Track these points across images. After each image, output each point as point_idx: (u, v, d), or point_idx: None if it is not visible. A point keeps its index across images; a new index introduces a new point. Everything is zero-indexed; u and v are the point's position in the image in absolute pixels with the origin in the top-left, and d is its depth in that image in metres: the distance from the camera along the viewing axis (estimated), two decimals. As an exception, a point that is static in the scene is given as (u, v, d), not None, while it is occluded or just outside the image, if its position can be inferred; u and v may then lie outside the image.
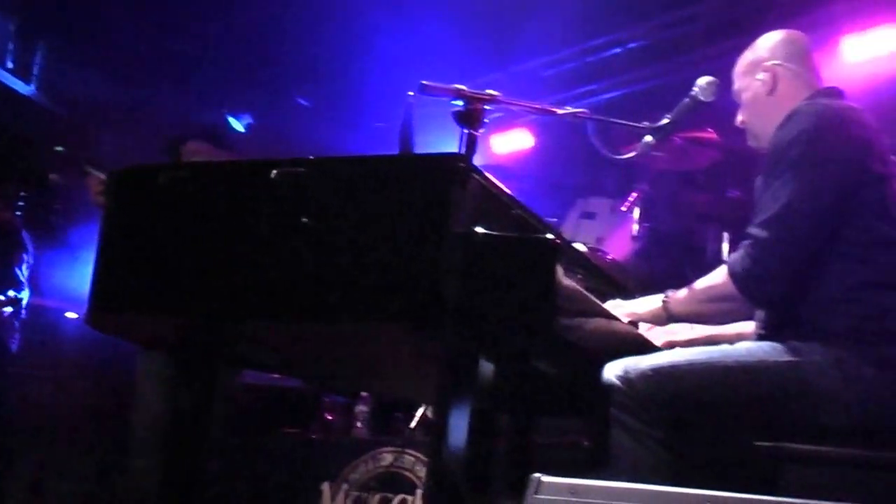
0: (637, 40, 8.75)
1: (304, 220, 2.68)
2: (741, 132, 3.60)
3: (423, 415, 5.49)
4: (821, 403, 2.85)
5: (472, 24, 8.24)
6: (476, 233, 2.53)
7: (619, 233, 6.04)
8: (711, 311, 3.28)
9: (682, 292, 3.28)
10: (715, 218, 6.24)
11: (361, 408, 5.88)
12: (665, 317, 3.30)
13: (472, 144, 2.71)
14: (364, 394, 5.89)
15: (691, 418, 2.92)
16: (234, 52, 8.89)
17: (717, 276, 3.16)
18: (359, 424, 5.88)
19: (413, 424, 5.55)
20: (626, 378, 2.92)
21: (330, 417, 6.05)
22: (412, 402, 5.70)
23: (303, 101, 9.74)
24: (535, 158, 8.84)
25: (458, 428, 2.56)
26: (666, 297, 3.30)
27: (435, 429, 2.58)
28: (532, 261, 2.51)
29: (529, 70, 9.24)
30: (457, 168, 2.59)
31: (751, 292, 3.05)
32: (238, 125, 9.47)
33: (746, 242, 3.06)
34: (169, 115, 8.60)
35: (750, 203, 3.18)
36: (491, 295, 2.50)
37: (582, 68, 9.10)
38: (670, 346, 3.39)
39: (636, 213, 5.86)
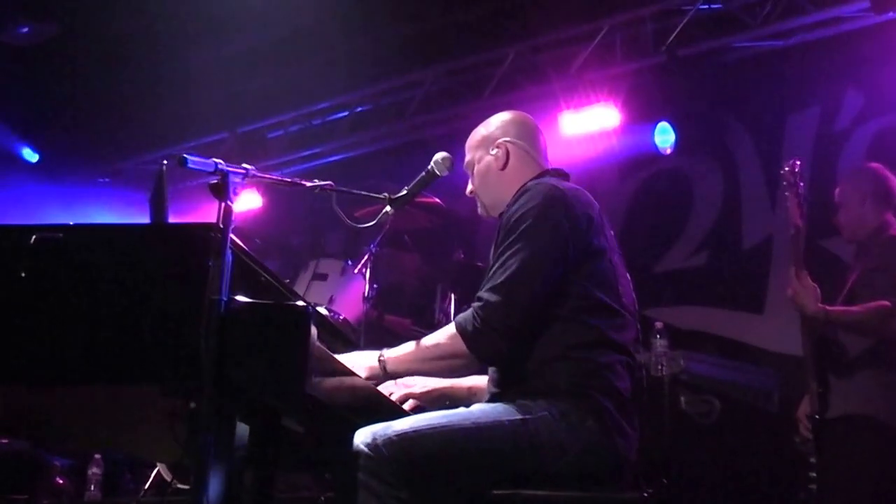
0: (364, 104, 9.02)
1: (22, 274, 2.73)
2: (468, 200, 3.82)
3: (157, 475, 5.47)
4: (550, 453, 3.10)
5: (199, 84, 8.30)
6: (234, 300, 2.66)
7: (350, 293, 6.21)
8: (438, 369, 3.44)
9: (403, 350, 3.41)
10: (442, 278, 6.52)
11: (95, 470, 5.78)
12: (382, 375, 3.42)
13: (227, 215, 2.81)
14: (97, 456, 5.80)
15: (435, 477, 3.08)
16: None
17: (444, 335, 3.35)
18: (92, 488, 5.79)
19: (147, 486, 5.52)
20: (373, 444, 3.03)
21: (61, 481, 5.91)
22: (144, 462, 5.66)
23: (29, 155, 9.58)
24: (264, 219, 8.94)
25: (215, 487, 2.66)
26: (381, 355, 3.41)
27: (193, 489, 2.65)
28: (288, 327, 2.64)
29: (256, 131, 9.40)
30: (212, 238, 2.71)
31: (479, 350, 3.27)
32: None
33: (477, 304, 3.27)
34: None
35: (473, 265, 3.39)
36: (248, 360, 2.62)
37: (308, 131, 9.33)
38: (405, 398, 3.55)
39: (367, 273, 6.04)
